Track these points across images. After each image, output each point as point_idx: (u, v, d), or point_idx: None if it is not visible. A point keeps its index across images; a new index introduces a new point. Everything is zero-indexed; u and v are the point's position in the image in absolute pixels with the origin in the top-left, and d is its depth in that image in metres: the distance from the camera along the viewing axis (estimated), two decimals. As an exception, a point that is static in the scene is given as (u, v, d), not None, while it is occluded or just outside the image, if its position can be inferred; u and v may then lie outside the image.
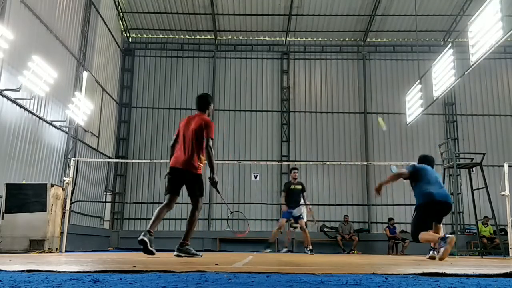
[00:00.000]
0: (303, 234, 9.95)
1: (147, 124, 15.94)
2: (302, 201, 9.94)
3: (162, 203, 5.01)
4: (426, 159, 6.28)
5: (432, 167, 6.16)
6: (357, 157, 15.45)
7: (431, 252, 5.91)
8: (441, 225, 5.97)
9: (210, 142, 4.89)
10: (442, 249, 5.09)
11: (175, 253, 4.86)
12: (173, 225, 15.07)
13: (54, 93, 10.57)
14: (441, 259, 5.06)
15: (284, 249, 10.89)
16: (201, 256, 4.89)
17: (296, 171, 10.06)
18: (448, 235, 5.20)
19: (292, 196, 9.79)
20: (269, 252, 9.90)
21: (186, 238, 4.91)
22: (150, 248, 4.62)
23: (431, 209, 5.69)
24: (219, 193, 5.43)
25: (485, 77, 16.06)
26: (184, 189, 5.09)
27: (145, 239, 4.60)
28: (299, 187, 9.89)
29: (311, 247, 9.84)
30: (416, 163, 6.28)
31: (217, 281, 1.62)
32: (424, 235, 5.55)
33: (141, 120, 15.99)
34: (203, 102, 5.18)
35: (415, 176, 5.90)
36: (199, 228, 15.23)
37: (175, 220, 15.09)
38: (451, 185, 14.56)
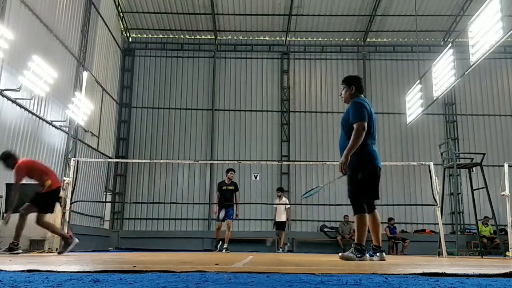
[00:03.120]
0: (226, 233, 10.19)
1: (147, 124, 15.94)
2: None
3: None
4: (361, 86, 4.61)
5: None
6: (357, 157, 15.42)
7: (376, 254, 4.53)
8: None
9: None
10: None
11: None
12: (173, 225, 15.07)
13: (54, 93, 10.57)
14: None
15: (280, 250, 11.72)
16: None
17: (232, 172, 10.39)
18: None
19: (224, 196, 10.22)
20: (225, 251, 9.96)
21: None
22: None
23: (373, 175, 4.48)
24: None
25: (485, 77, 16.06)
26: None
27: None
28: (232, 187, 10.30)
29: (226, 246, 10.10)
30: (363, 102, 4.40)
31: (217, 281, 1.62)
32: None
33: (141, 120, 15.99)
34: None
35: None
36: (199, 228, 15.23)
37: (175, 220, 15.09)
38: (451, 185, 14.57)
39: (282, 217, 12.31)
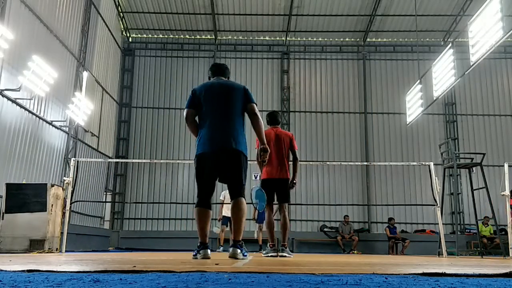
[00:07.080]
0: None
1: (147, 124, 15.94)
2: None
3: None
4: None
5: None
6: (357, 157, 15.45)
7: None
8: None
9: None
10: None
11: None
12: (173, 225, 15.06)
13: (54, 93, 10.57)
14: None
15: (221, 248, 11.10)
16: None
17: None
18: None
19: None
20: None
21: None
22: None
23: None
24: None
25: (485, 77, 16.06)
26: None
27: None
28: None
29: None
30: None
31: (217, 281, 1.62)
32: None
33: (141, 120, 15.99)
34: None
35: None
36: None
37: (175, 220, 15.08)
38: (451, 185, 14.58)
39: (229, 211, 11.35)
